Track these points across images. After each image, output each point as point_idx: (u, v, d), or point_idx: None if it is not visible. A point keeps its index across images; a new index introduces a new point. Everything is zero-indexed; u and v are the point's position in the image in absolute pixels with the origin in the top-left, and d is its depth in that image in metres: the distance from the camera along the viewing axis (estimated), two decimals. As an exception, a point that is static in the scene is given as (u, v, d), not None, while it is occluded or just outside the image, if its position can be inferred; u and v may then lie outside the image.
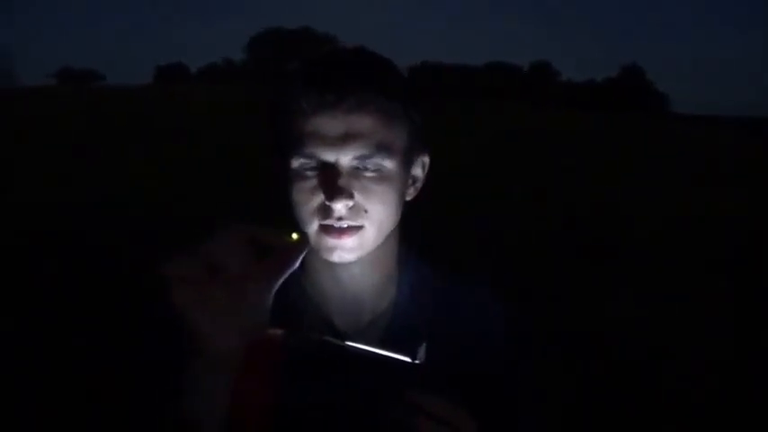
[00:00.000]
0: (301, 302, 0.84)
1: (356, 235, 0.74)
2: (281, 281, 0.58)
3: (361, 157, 0.72)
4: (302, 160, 0.73)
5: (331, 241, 0.74)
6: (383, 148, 0.72)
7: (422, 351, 0.69)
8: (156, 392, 0.65)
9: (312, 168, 0.73)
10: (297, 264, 0.60)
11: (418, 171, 0.84)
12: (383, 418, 0.67)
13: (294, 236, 0.66)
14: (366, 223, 0.74)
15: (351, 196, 0.72)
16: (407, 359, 0.68)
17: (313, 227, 0.74)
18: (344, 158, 0.71)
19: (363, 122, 0.71)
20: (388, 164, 0.74)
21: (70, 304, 4.24)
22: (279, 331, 0.61)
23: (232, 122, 16.75)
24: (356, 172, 0.73)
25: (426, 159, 0.85)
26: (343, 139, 0.71)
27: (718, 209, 8.67)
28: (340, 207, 0.71)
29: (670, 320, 4.42)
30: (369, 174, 0.73)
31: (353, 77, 0.71)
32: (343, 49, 0.80)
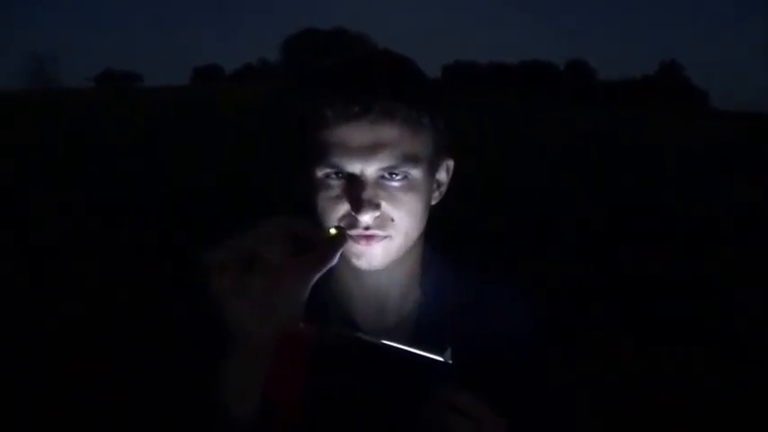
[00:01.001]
0: (328, 304, 0.83)
1: (383, 243, 0.74)
2: (319, 275, 0.58)
3: (387, 168, 0.71)
4: (327, 170, 0.72)
5: (358, 248, 0.73)
6: (409, 159, 0.71)
7: (448, 353, 0.68)
8: (190, 381, 0.66)
9: (338, 177, 0.72)
10: (336, 259, 0.60)
11: (443, 175, 0.83)
12: (414, 414, 0.67)
13: (333, 231, 0.65)
14: (393, 233, 0.74)
15: (377, 207, 0.71)
16: (439, 357, 0.67)
17: None
18: (370, 169, 0.70)
19: (389, 133, 0.70)
20: (415, 173, 0.72)
21: (111, 295, 4.35)
22: (312, 325, 0.60)
23: (266, 123, 16.98)
24: (382, 182, 0.72)
25: (451, 163, 0.84)
26: (369, 150, 0.69)
27: (758, 207, 8.47)
28: (367, 218, 0.70)
29: (699, 321, 4.35)
30: (395, 183, 0.72)
31: (379, 87, 0.69)
32: (367, 55, 0.78)
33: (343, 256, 0.73)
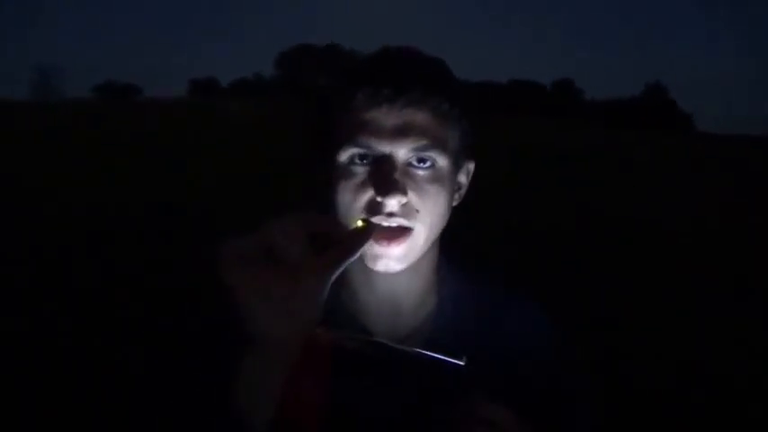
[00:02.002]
0: (338, 312, 0.79)
1: (405, 242, 0.71)
2: (339, 270, 0.55)
3: (416, 150, 0.70)
4: (353, 151, 0.70)
5: (378, 249, 0.70)
6: (438, 144, 0.71)
7: (464, 361, 0.67)
8: (205, 387, 0.64)
9: (362, 162, 0.71)
10: (358, 254, 0.57)
11: (463, 177, 0.82)
12: (435, 420, 0.66)
13: (360, 223, 0.64)
14: (417, 226, 0.71)
15: (405, 193, 0.69)
16: (459, 362, 0.66)
17: None
18: (400, 151, 0.69)
19: (419, 117, 0.70)
20: (441, 161, 0.72)
21: (124, 297, 4.46)
22: (329, 331, 0.58)
23: (261, 135, 17.25)
24: (410, 169, 0.70)
25: (472, 166, 0.84)
26: (399, 132, 0.69)
27: (741, 229, 8.57)
28: (393, 203, 0.68)
29: (685, 333, 4.41)
30: (422, 171, 0.71)
31: (411, 74, 0.71)
32: (399, 48, 0.78)
33: (355, 262, 0.65)
